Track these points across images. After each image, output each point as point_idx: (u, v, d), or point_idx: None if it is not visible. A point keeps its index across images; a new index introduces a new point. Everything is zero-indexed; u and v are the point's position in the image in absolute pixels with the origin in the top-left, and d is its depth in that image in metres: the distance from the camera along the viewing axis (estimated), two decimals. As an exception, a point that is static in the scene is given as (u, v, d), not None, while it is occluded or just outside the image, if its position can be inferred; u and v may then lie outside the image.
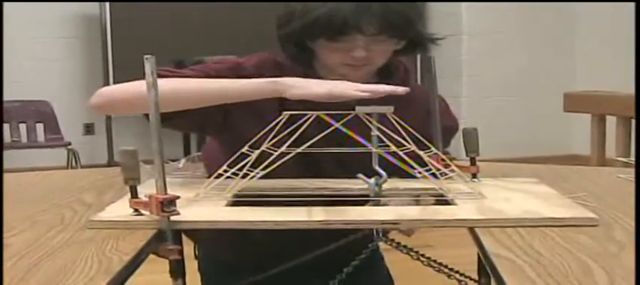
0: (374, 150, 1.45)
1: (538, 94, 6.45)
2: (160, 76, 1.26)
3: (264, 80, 1.53)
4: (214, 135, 1.77)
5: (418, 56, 1.78)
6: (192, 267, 1.77)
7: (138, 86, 1.53)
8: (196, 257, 1.92)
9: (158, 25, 5.94)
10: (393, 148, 1.43)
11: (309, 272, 1.64)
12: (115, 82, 5.91)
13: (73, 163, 5.65)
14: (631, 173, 1.76)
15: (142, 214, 1.26)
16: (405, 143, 1.44)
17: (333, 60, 1.61)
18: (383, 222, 1.30)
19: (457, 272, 1.59)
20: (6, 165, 5.08)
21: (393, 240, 1.47)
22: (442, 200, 1.45)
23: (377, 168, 1.46)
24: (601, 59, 6.13)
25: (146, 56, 1.19)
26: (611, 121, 3.65)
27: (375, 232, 1.40)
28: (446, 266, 1.59)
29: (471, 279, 1.63)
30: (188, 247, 1.39)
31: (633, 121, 3.33)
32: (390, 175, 1.47)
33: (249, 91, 1.53)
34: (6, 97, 5.74)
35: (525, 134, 6.49)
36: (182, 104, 1.57)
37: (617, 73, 5.12)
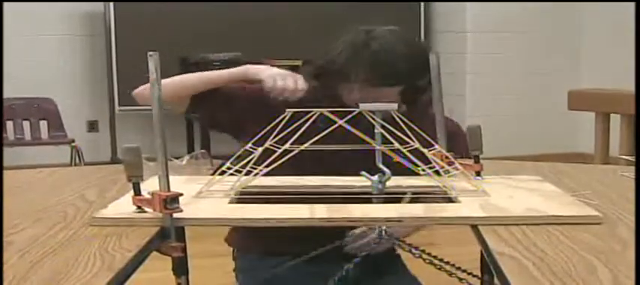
0: (377, 147, 1.45)
1: (543, 92, 6.44)
2: None
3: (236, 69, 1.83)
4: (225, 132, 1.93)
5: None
6: (195, 264, 1.77)
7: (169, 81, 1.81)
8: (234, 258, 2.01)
9: (162, 23, 5.93)
10: (397, 145, 1.43)
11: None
12: (118, 80, 5.93)
13: (77, 161, 5.65)
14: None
15: (144, 212, 1.26)
16: (409, 141, 1.44)
17: (343, 92, 1.76)
18: (386, 219, 1.30)
19: (459, 269, 1.60)
20: (9, 162, 5.09)
21: (398, 238, 1.47)
22: (445, 198, 1.45)
23: (380, 165, 1.46)
24: (606, 57, 6.12)
25: (150, 53, 1.20)
26: (616, 119, 3.64)
27: (378, 230, 1.41)
28: (448, 263, 1.60)
29: (473, 275, 1.63)
30: (191, 245, 1.39)
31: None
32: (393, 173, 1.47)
33: (224, 76, 1.84)
34: (10, 95, 5.74)
35: (530, 132, 6.47)
36: (186, 89, 1.87)
37: (622, 71, 5.10)
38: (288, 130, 1.44)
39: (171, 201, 1.20)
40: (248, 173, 1.45)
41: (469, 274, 1.60)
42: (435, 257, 1.59)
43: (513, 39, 6.43)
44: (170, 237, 1.22)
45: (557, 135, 6.53)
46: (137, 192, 1.26)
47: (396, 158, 1.43)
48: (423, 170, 1.44)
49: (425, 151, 1.47)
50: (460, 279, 1.59)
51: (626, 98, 3.59)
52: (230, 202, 1.39)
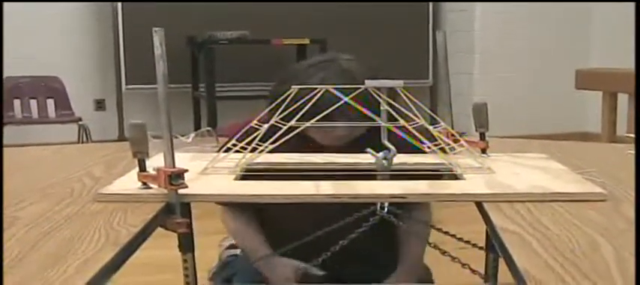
0: (383, 124, 1.45)
1: (551, 70, 6.43)
2: None
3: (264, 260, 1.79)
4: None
5: (431, 32, 1.80)
6: (201, 242, 1.78)
7: None
8: None
9: (169, 1, 5.93)
10: (402, 122, 1.43)
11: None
12: (125, 59, 5.92)
13: (84, 139, 5.67)
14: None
15: (150, 188, 1.27)
16: (415, 118, 1.44)
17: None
18: (391, 196, 1.30)
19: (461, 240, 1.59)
20: (17, 141, 5.11)
21: (397, 214, 1.47)
22: (451, 175, 1.45)
23: (386, 142, 1.46)
24: (616, 36, 6.09)
25: (155, 29, 1.20)
26: (624, 98, 3.63)
27: (379, 206, 1.41)
28: (454, 236, 1.59)
29: (479, 247, 1.62)
30: (196, 222, 1.39)
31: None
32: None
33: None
34: (17, 73, 5.75)
35: (537, 111, 6.46)
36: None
37: (630, 50, 5.09)
38: (294, 106, 1.45)
39: (176, 177, 1.20)
40: (253, 150, 1.46)
41: (474, 245, 1.60)
42: (439, 230, 1.58)
43: (523, 17, 6.41)
44: (175, 213, 1.22)
45: (564, 114, 6.52)
46: (142, 168, 1.26)
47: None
48: (429, 147, 1.45)
49: (430, 128, 1.47)
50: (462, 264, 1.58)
51: (633, 77, 3.57)
52: (235, 179, 1.40)
